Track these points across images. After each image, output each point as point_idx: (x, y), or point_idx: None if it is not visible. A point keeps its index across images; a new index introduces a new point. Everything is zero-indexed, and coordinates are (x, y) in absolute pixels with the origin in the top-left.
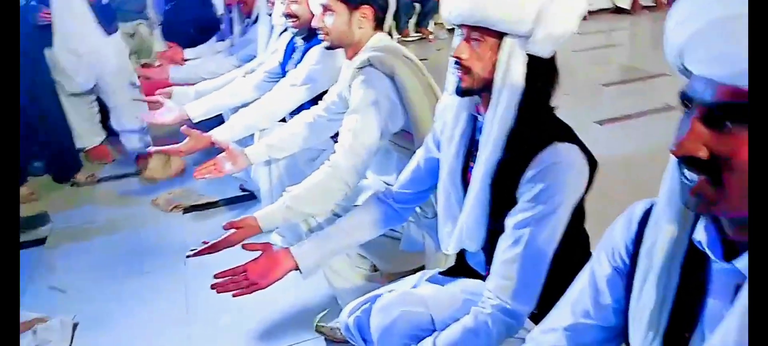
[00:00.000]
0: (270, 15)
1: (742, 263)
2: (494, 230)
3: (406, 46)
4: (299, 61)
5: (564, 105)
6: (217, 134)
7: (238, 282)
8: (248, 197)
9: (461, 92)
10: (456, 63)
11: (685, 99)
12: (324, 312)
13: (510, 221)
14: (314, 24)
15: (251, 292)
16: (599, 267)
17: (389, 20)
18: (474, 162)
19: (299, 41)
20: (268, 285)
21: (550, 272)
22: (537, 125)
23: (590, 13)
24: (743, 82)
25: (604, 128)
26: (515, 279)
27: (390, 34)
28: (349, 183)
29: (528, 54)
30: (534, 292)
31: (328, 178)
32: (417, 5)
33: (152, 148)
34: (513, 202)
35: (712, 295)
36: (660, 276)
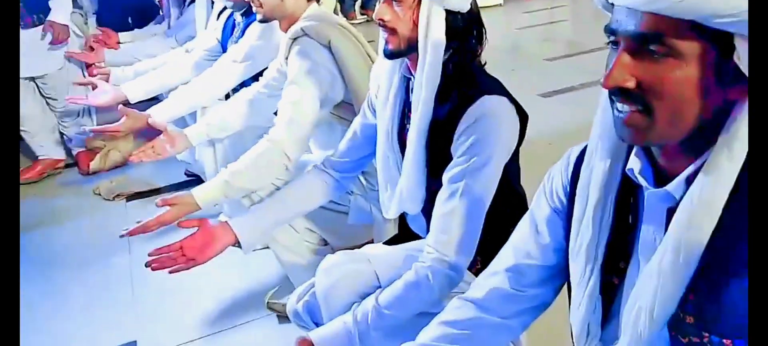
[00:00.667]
0: None
1: (674, 186)
2: (433, 190)
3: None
4: (240, 38)
5: (509, 80)
6: (156, 113)
7: (174, 259)
8: (194, 182)
9: (389, 54)
10: (380, 25)
11: (611, 32)
12: (275, 289)
13: (446, 176)
14: None
15: (189, 268)
16: (539, 210)
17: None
18: (408, 122)
19: (238, 17)
20: (207, 260)
21: (487, 230)
22: (465, 81)
23: None
24: (663, 8)
25: (547, 100)
26: (453, 232)
27: (336, 13)
28: (289, 156)
29: (446, 10)
30: (472, 243)
31: (268, 151)
32: None
33: (87, 128)
34: (449, 159)
35: (645, 222)
36: (596, 210)
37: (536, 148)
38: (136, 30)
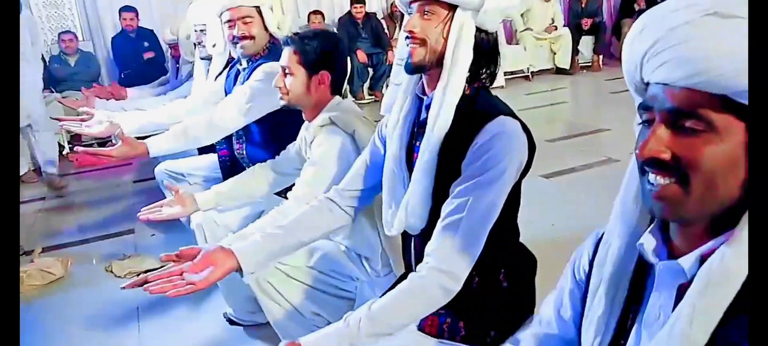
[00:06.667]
0: (203, 59)
1: (687, 262)
2: (437, 208)
3: (361, 108)
4: (245, 81)
5: None
6: (152, 144)
7: (173, 282)
8: None
9: (412, 68)
10: (407, 37)
11: (645, 109)
12: None
13: (455, 189)
14: (275, 83)
15: (188, 292)
16: (565, 281)
17: (344, 84)
18: (419, 141)
19: (244, 63)
20: (207, 285)
21: (478, 259)
22: (481, 102)
23: (533, 73)
24: (700, 83)
25: (549, 182)
26: (455, 242)
27: (344, 97)
28: None
29: (477, 28)
30: (472, 257)
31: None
32: (370, 70)
33: (80, 149)
34: (456, 176)
35: (654, 295)
36: (609, 287)
37: (537, 229)
38: (142, 86)
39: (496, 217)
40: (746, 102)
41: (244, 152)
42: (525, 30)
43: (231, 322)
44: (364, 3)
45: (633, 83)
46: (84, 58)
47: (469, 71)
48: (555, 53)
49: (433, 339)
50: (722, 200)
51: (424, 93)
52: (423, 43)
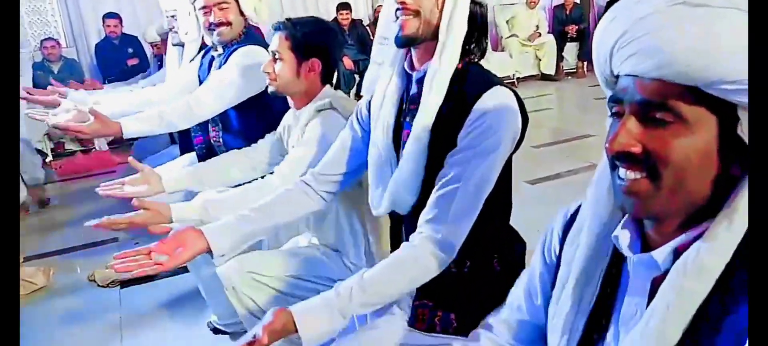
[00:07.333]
0: (175, 44)
1: (660, 254)
2: (427, 186)
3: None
4: (222, 66)
5: None
6: (127, 124)
7: (138, 261)
8: (188, 269)
9: (403, 41)
10: (399, 9)
11: (615, 102)
12: None
13: (450, 159)
14: (264, 69)
15: (156, 272)
16: (536, 264)
17: (334, 78)
18: (409, 117)
19: (219, 50)
20: (175, 266)
21: (469, 245)
22: (477, 71)
23: (519, 80)
24: (669, 74)
25: (535, 187)
26: (449, 213)
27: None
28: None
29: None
30: (465, 227)
31: (255, 189)
32: (356, 76)
33: (51, 122)
34: (451, 147)
35: (629, 292)
36: (577, 284)
37: (523, 235)
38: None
39: (491, 189)
40: (717, 94)
41: (220, 139)
42: (510, 36)
43: (216, 331)
44: (350, 10)
45: (603, 76)
46: (67, 65)
47: (463, 43)
48: (540, 60)
49: (425, 334)
50: (693, 195)
51: (412, 68)
52: (416, 14)
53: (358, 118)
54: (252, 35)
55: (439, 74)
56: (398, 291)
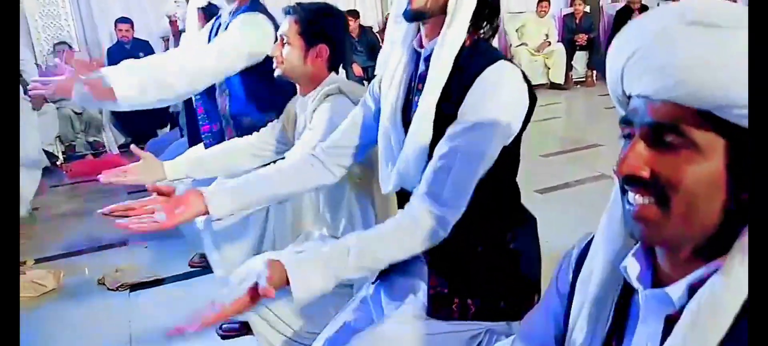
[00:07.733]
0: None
1: (675, 291)
2: None
3: None
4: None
5: None
6: (120, 90)
7: (139, 219)
8: (198, 272)
9: (411, 15)
10: None
11: (626, 123)
12: None
13: (449, 131)
14: (272, 52)
15: (154, 230)
16: (549, 295)
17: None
18: (418, 97)
19: (226, 17)
20: (174, 225)
21: (480, 221)
22: (483, 47)
23: None
24: (680, 96)
25: (544, 196)
26: (446, 186)
27: None
28: None
29: None
30: (462, 201)
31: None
32: (365, 83)
33: (36, 83)
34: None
35: (640, 326)
36: (591, 313)
37: None
38: None
39: (490, 165)
40: (730, 119)
41: (227, 108)
42: (520, 45)
43: (224, 336)
44: (358, 16)
45: (616, 96)
46: None
47: (470, 21)
48: (549, 68)
49: (444, 322)
50: (704, 223)
51: (421, 46)
52: None
53: (371, 95)
54: (257, 2)
55: (444, 49)
56: (393, 259)
